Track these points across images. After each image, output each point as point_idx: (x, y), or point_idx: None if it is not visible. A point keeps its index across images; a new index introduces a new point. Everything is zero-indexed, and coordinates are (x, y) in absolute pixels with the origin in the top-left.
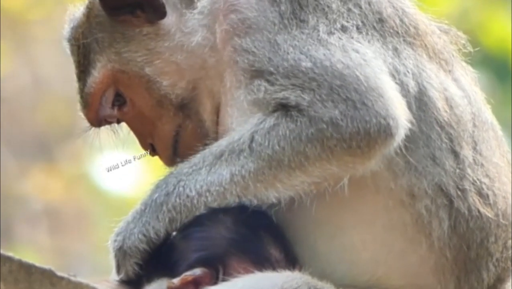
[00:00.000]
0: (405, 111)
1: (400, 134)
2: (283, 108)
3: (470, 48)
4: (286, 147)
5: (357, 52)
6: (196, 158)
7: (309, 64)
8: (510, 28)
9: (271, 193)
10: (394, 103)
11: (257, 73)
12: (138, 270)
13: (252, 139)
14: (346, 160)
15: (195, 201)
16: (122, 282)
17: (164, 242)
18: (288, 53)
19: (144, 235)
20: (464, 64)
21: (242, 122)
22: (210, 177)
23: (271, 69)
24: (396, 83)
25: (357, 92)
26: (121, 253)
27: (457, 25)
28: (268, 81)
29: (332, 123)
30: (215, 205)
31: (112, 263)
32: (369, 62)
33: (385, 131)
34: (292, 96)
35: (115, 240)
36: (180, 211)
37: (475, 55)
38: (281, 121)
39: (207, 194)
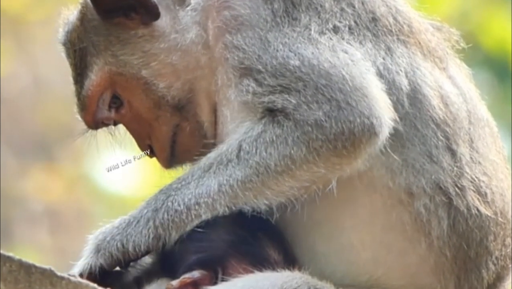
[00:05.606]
0: (389, 110)
1: (384, 132)
2: (270, 113)
3: (463, 45)
4: (272, 152)
5: (346, 52)
6: (186, 174)
7: (297, 63)
8: (510, 28)
9: (261, 200)
10: (378, 102)
11: (246, 71)
12: (99, 271)
13: (239, 148)
14: (333, 161)
15: (183, 216)
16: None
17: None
18: (277, 51)
19: (123, 246)
20: (458, 61)
21: (233, 125)
22: (198, 189)
23: (260, 67)
24: (387, 82)
25: (341, 91)
26: (94, 249)
27: (457, 26)
28: (256, 80)
29: (316, 125)
30: (205, 217)
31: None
32: (357, 63)
33: (369, 130)
34: (278, 99)
35: (96, 236)
36: (168, 227)
37: (475, 55)
38: (268, 127)
39: (196, 206)
